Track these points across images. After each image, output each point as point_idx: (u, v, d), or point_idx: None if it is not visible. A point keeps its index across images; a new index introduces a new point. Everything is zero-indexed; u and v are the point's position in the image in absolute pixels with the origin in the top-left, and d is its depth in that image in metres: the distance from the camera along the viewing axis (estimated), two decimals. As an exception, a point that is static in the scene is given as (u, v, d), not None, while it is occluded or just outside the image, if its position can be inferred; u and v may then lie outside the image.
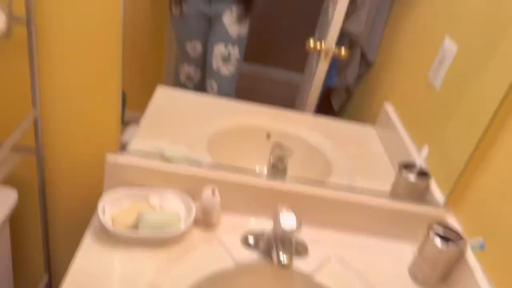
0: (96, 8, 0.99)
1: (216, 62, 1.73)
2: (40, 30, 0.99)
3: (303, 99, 1.73)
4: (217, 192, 1.15)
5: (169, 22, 2.05)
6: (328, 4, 1.69)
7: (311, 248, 1.14)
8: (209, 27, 1.70)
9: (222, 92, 1.78)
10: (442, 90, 1.06)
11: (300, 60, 3.15)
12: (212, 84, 1.78)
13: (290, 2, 3.05)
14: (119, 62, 1.08)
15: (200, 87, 1.91)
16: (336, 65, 1.71)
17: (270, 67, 3.32)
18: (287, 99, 3.16)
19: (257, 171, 1.33)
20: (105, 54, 1.07)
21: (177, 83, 1.90)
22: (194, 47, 1.73)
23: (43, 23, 0.99)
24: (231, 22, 1.65)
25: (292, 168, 1.40)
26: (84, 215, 1.22)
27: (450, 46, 1.04)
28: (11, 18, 0.94)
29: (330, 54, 1.48)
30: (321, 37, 1.52)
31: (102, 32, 1.03)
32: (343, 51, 1.45)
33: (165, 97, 1.61)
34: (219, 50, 1.68)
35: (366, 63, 1.64)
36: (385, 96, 1.43)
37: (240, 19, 1.66)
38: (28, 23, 0.95)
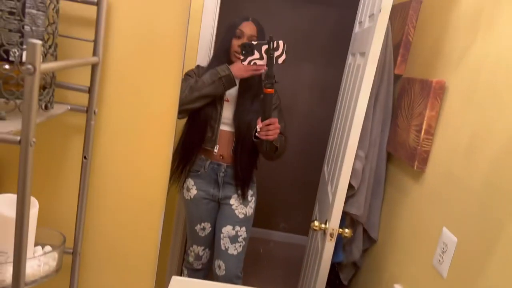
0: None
1: (224, 242, 1.78)
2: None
3: (311, 279, 1.74)
4: None
5: (178, 207, 2.18)
6: (325, 187, 1.85)
7: None
8: (218, 209, 1.81)
9: (229, 272, 1.78)
10: (450, 279, 1.10)
11: (300, 224, 3.24)
12: (220, 263, 1.80)
13: (290, 175, 3.29)
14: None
15: (208, 267, 1.92)
16: (341, 240, 1.77)
17: (273, 231, 3.39)
18: (291, 259, 3.14)
19: None
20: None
21: (186, 264, 1.92)
22: (204, 228, 1.81)
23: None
24: (238, 204, 1.77)
25: None
26: None
27: (449, 237, 1.12)
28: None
29: (335, 234, 1.55)
30: (323, 218, 1.61)
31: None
32: (347, 231, 1.53)
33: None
34: (227, 231, 1.75)
35: (369, 240, 1.70)
36: (393, 277, 1.46)
37: (247, 201, 1.79)
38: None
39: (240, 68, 1.53)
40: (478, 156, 1.07)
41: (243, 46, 1.32)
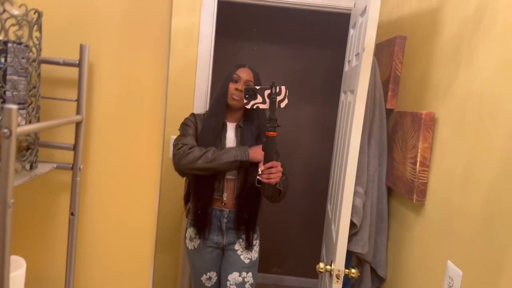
0: None
1: (231, 290, 1.73)
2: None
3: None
4: None
5: (182, 259, 2.14)
6: (330, 226, 1.82)
7: None
8: (222, 257, 1.78)
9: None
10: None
11: (307, 266, 3.15)
12: (227, 313, 1.74)
13: (295, 215, 3.25)
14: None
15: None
16: (349, 281, 1.71)
17: (280, 275, 3.29)
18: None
19: None
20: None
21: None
22: (210, 278, 1.76)
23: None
24: (243, 249, 1.74)
25: None
26: None
27: (454, 271, 1.08)
28: None
29: (342, 275, 1.50)
30: (329, 259, 1.57)
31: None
32: (353, 271, 1.48)
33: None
34: (234, 278, 1.71)
35: (378, 278, 1.64)
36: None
37: (251, 246, 1.75)
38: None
39: (257, 153, 1.58)
40: (474, 185, 1.06)
41: (247, 90, 1.36)
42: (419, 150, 1.29)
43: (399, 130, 1.48)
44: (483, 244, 1.00)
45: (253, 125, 1.73)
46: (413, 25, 1.59)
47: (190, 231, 1.77)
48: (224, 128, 1.72)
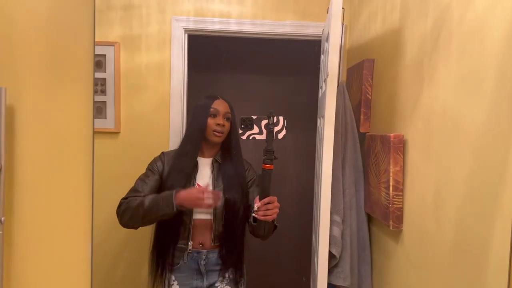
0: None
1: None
2: None
3: None
4: None
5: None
6: (314, 257, 1.74)
7: None
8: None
9: None
10: None
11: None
12: None
13: (284, 245, 3.14)
14: None
15: None
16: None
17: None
18: None
19: None
20: None
21: None
22: None
23: None
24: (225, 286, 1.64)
25: None
26: None
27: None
28: None
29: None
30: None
31: None
32: (337, 306, 1.40)
33: None
34: None
35: (366, 312, 1.56)
36: None
37: (236, 283, 1.66)
38: None
39: (186, 196, 1.42)
40: (445, 210, 1.00)
41: (243, 120, 1.31)
42: (391, 174, 1.25)
43: (372, 154, 1.43)
44: (457, 277, 0.94)
45: (233, 160, 1.60)
46: (380, 47, 1.58)
47: (168, 278, 1.62)
48: (195, 167, 1.59)
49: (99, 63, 1.98)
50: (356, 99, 1.67)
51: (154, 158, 1.63)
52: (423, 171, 1.13)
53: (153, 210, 1.42)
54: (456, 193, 0.95)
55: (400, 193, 1.24)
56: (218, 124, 1.54)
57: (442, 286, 1.01)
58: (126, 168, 1.96)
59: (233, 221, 1.53)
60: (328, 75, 1.35)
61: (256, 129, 1.31)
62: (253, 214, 1.32)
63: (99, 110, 2.00)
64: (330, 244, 1.42)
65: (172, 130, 1.99)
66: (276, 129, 1.28)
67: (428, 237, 1.09)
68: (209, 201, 1.41)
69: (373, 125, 1.58)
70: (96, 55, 1.98)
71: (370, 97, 1.61)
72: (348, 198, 1.49)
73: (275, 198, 1.31)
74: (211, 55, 2.92)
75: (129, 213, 1.45)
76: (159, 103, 1.99)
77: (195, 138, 1.58)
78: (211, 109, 1.56)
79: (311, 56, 2.64)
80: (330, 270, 1.47)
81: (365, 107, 1.60)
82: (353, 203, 1.51)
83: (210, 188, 1.53)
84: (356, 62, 1.81)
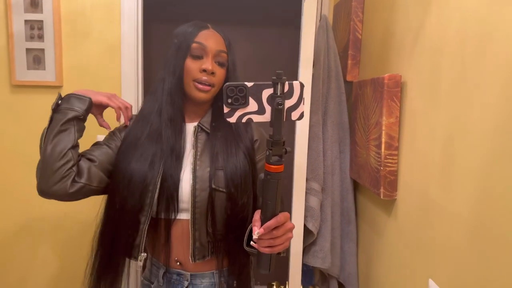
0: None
1: None
2: None
3: None
4: None
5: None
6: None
7: None
8: None
9: None
10: None
11: None
12: None
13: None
14: None
15: None
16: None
17: None
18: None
19: None
20: None
21: None
22: None
23: None
24: None
25: None
26: None
27: (438, 294, 0.75)
28: None
29: (300, 298, 1.16)
30: (285, 277, 1.23)
31: None
32: (315, 291, 1.14)
33: None
34: None
35: (350, 296, 1.30)
36: None
37: None
38: None
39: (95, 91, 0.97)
40: (458, 173, 0.72)
41: (230, 90, 0.68)
42: (383, 128, 0.95)
43: (360, 106, 1.13)
44: (472, 259, 0.66)
45: (231, 127, 0.99)
46: (373, -27, 1.25)
47: None
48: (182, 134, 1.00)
49: (34, 1, 1.63)
50: (343, 40, 1.36)
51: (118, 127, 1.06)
52: (428, 123, 0.84)
53: (47, 125, 0.91)
54: (475, 150, 0.66)
55: (395, 152, 0.95)
56: (204, 71, 0.94)
57: (448, 274, 0.74)
58: (71, 129, 1.64)
59: (228, 227, 0.95)
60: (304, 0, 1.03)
61: (253, 105, 0.69)
62: (251, 241, 0.76)
63: (36, 59, 1.66)
64: (306, 217, 1.14)
65: (125, 84, 1.66)
66: (288, 103, 0.68)
67: (431, 209, 0.81)
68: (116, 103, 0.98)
69: (363, 73, 1.27)
70: (29, -8, 1.63)
71: (360, 36, 1.29)
72: (329, 161, 1.21)
73: (286, 217, 0.74)
74: (175, 2, 2.56)
75: (39, 165, 0.92)
76: (108, 51, 1.65)
77: (169, 93, 0.97)
78: (193, 45, 0.95)
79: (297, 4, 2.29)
80: (307, 249, 1.20)
81: (354, 49, 1.29)
82: (336, 167, 1.22)
83: (189, 175, 0.95)
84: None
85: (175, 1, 2.51)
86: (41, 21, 1.63)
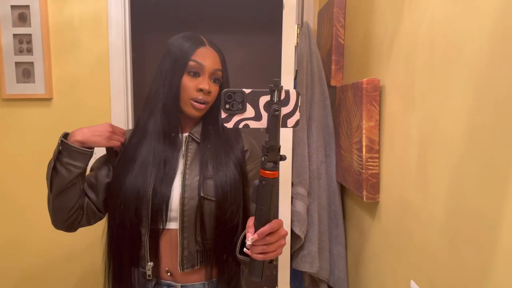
0: None
1: None
2: None
3: None
4: None
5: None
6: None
7: None
8: None
9: None
10: None
11: None
12: None
13: None
14: None
15: None
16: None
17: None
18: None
19: None
20: None
21: None
22: None
23: None
24: None
25: None
26: None
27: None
28: None
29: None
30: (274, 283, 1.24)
31: None
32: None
33: None
34: None
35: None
36: None
37: None
38: None
39: (82, 131, 0.94)
40: (433, 175, 0.73)
41: (228, 97, 0.70)
42: (364, 132, 0.96)
43: (343, 110, 1.15)
44: (449, 261, 0.67)
45: (222, 137, 1.01)
46: (353, -21, 1.27)
47: None
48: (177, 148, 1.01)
49: (22, 16, 1.65)
50: (327, 45, 1.37)
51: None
52: (404, 126, 0.85)
53: (48, 167, 0.93)
54: (449, 153, 0.67)
55: (376, 155, 0.97)
56: (201, 90, 0.95)
57: (428, 275, 0.75)
58: (62, 141, 1.64)
59: (217, 236, 0.96)
60: (284, 7, 1.05)
61: (250, 111, 0.71)
62: (244, 248, 0.76)
63: (25, 72, 1.67)
64: (292, 222, 1.15)
65: (114, 94, 1.68)
66: (284, 110, 0.71)
67: (410, 212, 0.82)
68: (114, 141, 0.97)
69: (347, 77, 1.29)
70: (17, 7, 1.65)
71: (342, 42, 1.31)
72: (315, 165, 1.22)
73: (280, 223, 0.75)
74: (163, 11, 2.57)
75: (49, 206, 0.99)
76: (97, 62, 1.67)
77: (165, 110, 0.97)
78: (191, 63, 0.95)
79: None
80: (295, 254, 1.21)
81: (337, 54, 1.31)
82: (322, 171, 1.24)
83: (179, 183, 0.96)
84: (325, 1, 1.50)
85: (165, 10, 2.54)
86: (30, 35, 1.65)
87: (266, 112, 0.70)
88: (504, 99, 0.53)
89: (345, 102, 1.13)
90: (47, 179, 0.94)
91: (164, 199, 0.94)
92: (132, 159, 0.97)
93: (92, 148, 0.95)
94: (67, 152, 0.92)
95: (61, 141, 0.92)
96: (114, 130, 0.98)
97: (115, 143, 0.99)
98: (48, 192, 0.96)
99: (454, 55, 0.66)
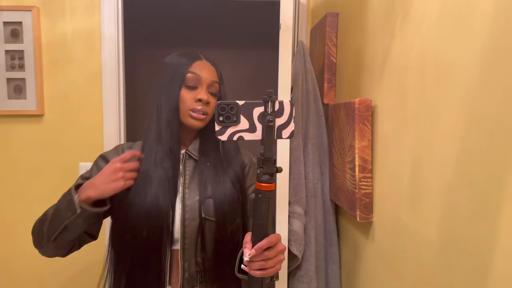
0: None
1: None
2: None
3: None
4: None
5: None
6: None
7: None
8: None
9: None
10: None
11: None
12: None
13: None
14: None
15: None
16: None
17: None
18: None
19: None
20: None
21: None
22: None
23: None
24: None
25: None
26: None
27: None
28: None
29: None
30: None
31: None
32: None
33: None
34: None
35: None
36: None
37: None
38: None
39: (92, 185, 0.88)
40: (426, 196, 0.73)
41: (221, 109, 0.68)
42: (357, 151, 0.97)
43: (336, 128, 1.15)
44: (443, 282, 0.67)
45: (220, 154, 1.01)
46: (345, -2, 1.29)
47: None
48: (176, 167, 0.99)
49: (14, 32, 1.64)
50: (319, 63, 1.38)
51: (92, 166, 1.03)
52: (397, 146, 0.85)
53: (56, 220, 0.89)
54: (441, 174, 0.68)
55: (369, 175, 0.97)
56: (200, 101, 0.97)
57: (424, 299, 0.74)
58: (53, 158, 1.63)
59: (217, 256, 0.95)
60: (280, 27, 1.06)
61: (244, 123, 0.69)
62: (242, 264, 0.74)
63: (17, 89, 1.66)
64: (290, 241, 1.14)
65: (106, 111, 1.67)
66: (279, 121, 0.69)
67: (403, 232, 0.82)
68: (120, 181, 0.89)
69: (339, 95, 1.30)
70: (9, 23, 1.64)
71: (334, 60, 1.32)
72: (311, 183, 1.22)
73: (278, 238, 0.73)
74: (157, 28, 2.58)
75: (36, 234, 0.95)
76: (89, 79, 1.66)
77: (165, 124, 0.97)
78: (188, 75, 0.96)
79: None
80: (292, 273, 1.20)
81: (329, 73, 1.32)
82: (318, 189, 1.23)
83: (179, 204, 0.95)
84: (318, 19, 1.51)
85: (159, 27, 2.55)
86: (22, 51, 1.64)
87: (261, 123, 0.69)
88: (496, 121, 0.54)
89: (337, 121, 1.13)
90: (49, 230, 0.89)
91: (169, 220, 0.93)
92: (144, 177, 0.93)
93: (108, 203, 0.91)
94: (84, 214, 0.87)
95: (81, 208, 0.86)
96: (122, 166, 0.90)
97: (130, 182, 0.91)
98: (43, 235, 0.91)
99: (445, 77, 0.66)
